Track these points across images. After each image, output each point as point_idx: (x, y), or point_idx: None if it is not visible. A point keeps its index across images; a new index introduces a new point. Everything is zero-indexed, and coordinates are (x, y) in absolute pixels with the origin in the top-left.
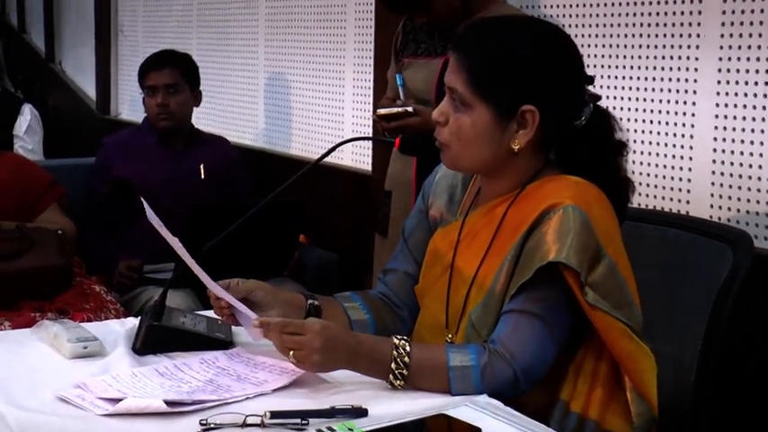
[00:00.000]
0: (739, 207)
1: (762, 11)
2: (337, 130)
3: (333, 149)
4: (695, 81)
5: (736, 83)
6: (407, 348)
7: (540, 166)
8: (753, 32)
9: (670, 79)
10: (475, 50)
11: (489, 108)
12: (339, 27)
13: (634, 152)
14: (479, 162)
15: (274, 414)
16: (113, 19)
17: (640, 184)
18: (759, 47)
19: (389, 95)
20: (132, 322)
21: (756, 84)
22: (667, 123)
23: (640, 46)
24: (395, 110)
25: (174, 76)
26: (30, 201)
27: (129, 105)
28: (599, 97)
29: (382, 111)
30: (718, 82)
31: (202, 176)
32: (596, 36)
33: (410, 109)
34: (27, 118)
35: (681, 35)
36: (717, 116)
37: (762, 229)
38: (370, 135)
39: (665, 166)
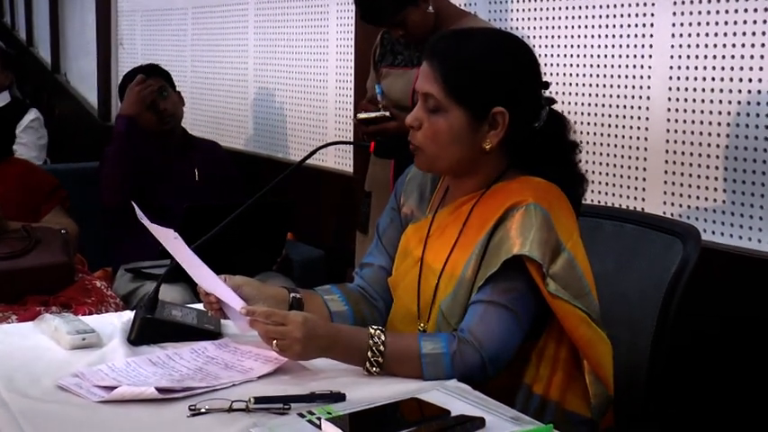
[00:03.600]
0: (689, 204)
1: (707, 22)
2: (321, 135)
3: (313, 152)
4: (649, 87)
5: (686, 89)
6: (383, 338)
7: (505, 167)
8: (701, 32)
9: (626, 86)
10: (449, 58)
11: (464, 111)
12: (322, 40)
13: (594, 153)
14: (454, 162)
15: (258, 399)
16: (113, 33)
17: (599, 183)
18: (706, 55)
19: (366, 100)
20: (128, 315)
21: (704, 90)
22: (624, 127)
23: (598, 56)
24: (373, 114)
25: (158, 81)
26: (35, 203)
27: None
28: (554, 101)
29: (362, 115)
30: (669, 89)
31: (197, 178)
32: (558, 47)
33: (388, 114)
34: (30, 117)
35: (635, 45)
36: (669, 120)
37: (709, 224)
38: (351, 140)
39: (621, 166)
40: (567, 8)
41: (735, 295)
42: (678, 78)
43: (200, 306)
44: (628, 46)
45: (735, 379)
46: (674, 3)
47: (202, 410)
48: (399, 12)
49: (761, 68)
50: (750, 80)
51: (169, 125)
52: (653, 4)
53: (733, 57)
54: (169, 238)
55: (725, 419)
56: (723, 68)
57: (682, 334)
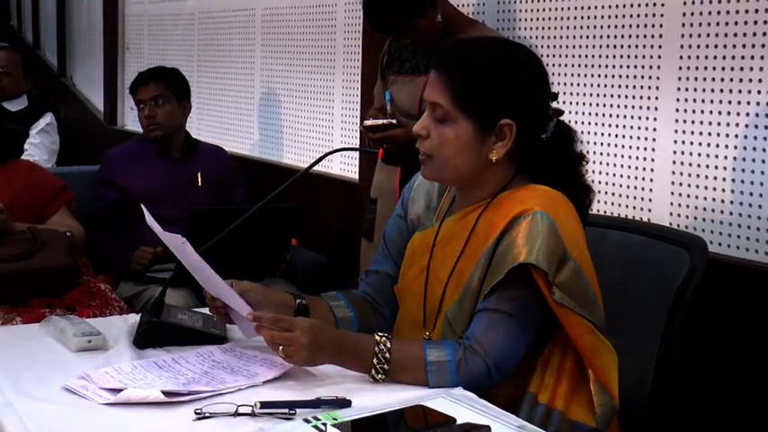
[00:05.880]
0: (696, 215)
1: (716, 34)
2: (327, 142)
3: (321, 159)
4: (656, 98)
5: (694, 101)
6: (388, 345)
7: (512, 176)
8: (709, 46)
9: (634, 97)
10: (457, 68)
11: (471, 122)
12: (329, 47)
13: (600, 164)
14: (461, 173)
15: (264, 404)
16: (120, 37)
17: (606, 193)
18: (715, 68)
19: (376, 107)
20: (134, 318)
21: (712, 102)
22: (631, 137)
23: (606, 66)
24: (380, 121)
25: (159, 88)
26: (41, 205)
27: (135, 117)
28: (562, 112)
29: (369, 122)
30: (677, 100)
31: (199, 184)
32: (566, 56)
33: (394, 121)
34: (46, 120)
35: (643, 56)
36: (676, 131)
37: (716, 235)
38: (357, 146)
39: (628, 177)
40: (575, 18)
41: (741, 307)
42: (687, 90)
43: (205, 310)
44: (636, 57)
45: (741, 390)
46: (682, 36)
47: (208, 414)
48: (408, 20)
49: None
50: (759, 92)
51: (153, 133)
52: (661, 26)
53: (742, 64)
54: (177, 243)
55: (731, 430)
56: (732, 80)
57: (687, 345)
